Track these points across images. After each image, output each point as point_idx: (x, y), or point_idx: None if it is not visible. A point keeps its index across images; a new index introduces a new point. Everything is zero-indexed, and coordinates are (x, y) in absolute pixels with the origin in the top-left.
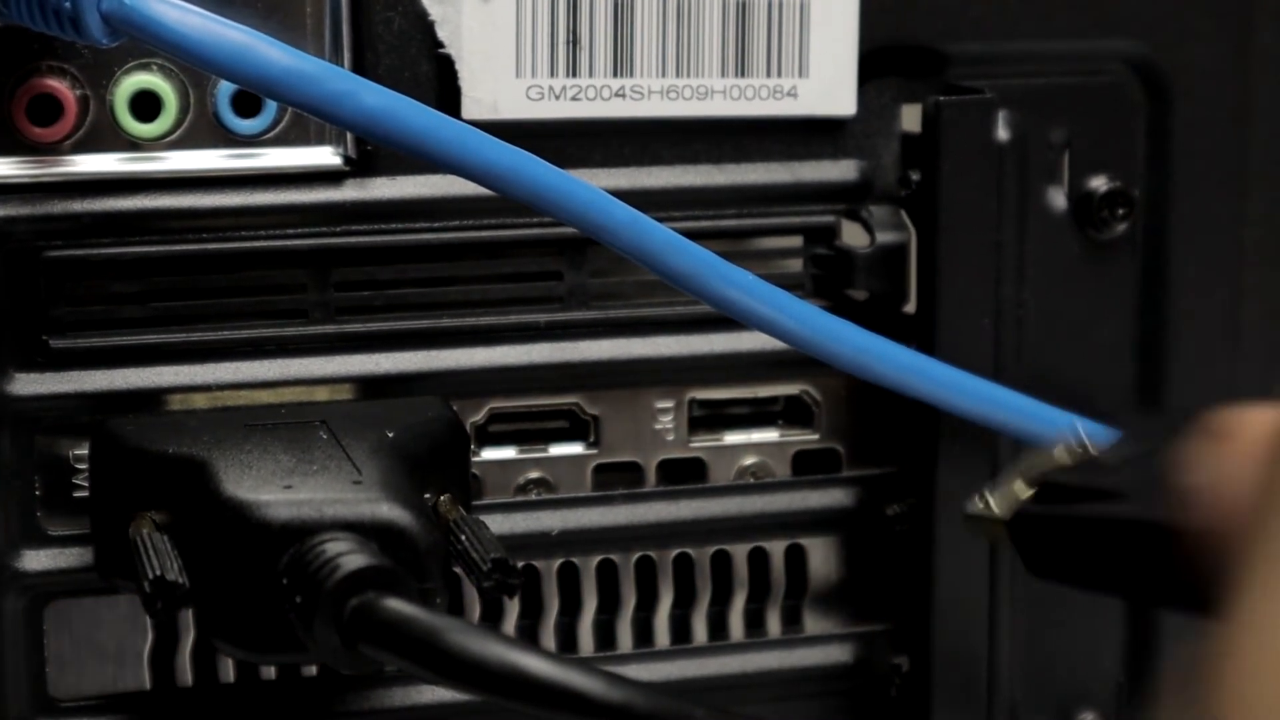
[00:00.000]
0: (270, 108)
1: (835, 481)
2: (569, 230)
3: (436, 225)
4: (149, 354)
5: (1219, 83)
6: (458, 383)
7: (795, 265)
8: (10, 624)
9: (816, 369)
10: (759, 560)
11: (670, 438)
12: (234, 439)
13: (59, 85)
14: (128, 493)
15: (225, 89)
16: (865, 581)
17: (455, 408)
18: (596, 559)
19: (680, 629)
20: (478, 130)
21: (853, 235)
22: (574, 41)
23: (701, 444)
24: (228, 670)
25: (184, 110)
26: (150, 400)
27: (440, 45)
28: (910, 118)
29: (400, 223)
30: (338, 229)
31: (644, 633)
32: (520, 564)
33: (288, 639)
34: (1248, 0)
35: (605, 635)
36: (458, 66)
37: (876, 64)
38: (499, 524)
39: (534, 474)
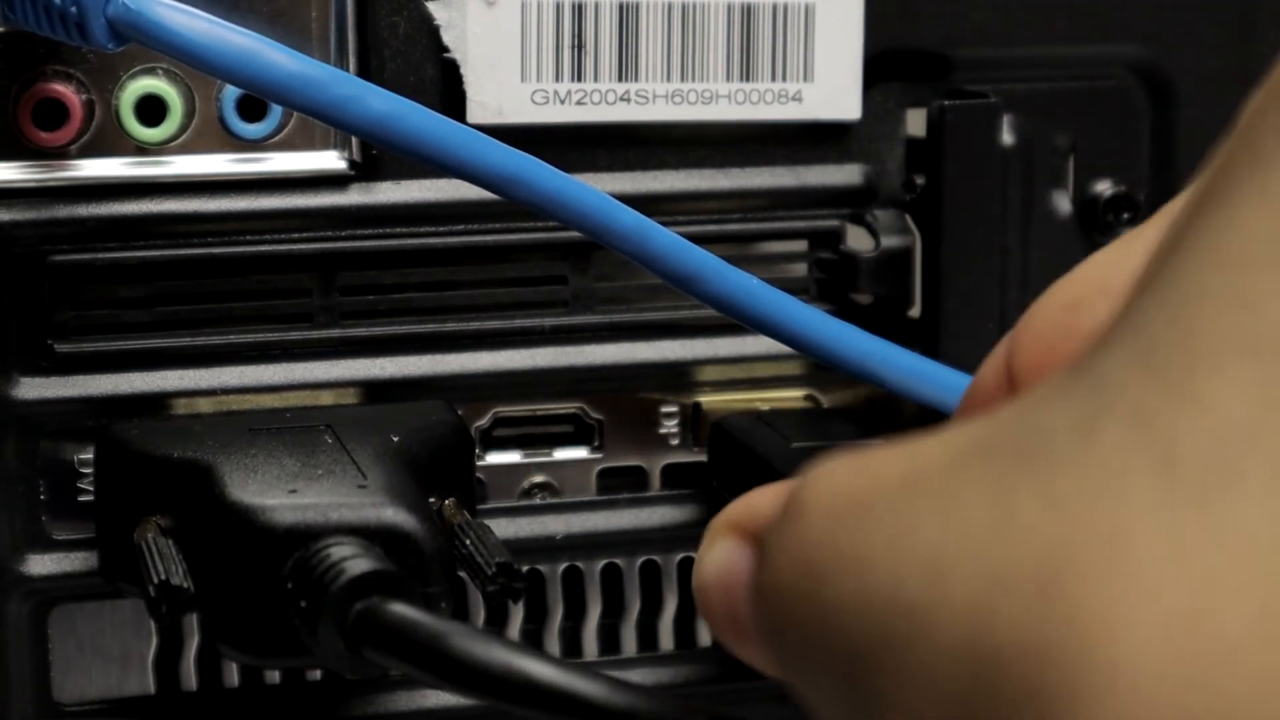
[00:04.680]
0: (275, 112)
1: None
2: (573, 235)
3: (441, 230)
4: (154, 358)
5: (1223, 87)
6: (462, 387)
7: (800, 269)
8: (15, 628)
9: (821, 373)
10: None
11: (675, 442)
12: (239, 443)
13: (64, 90)
14: (132, 497)
15: (231, 93)
16: None
17: (460, 412)
18: (601, 563)
19: (684, 633)
20: (483, 135)
21: (857, 239)
22: (579, 46)
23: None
24: (232, 674)
25: (189, 115)
26: (155, 404)
27: (445, 50)
28: (915, 122)
29: (405, 227)
30: (343, 233)
31: (648, 637)
32: (525, 568)
33: (292, 643)
34: (1251, 5)
35: (609, 639)
36: (463, 71)
37: (881, 68)
38: (503, 528)
39: (538, 478)
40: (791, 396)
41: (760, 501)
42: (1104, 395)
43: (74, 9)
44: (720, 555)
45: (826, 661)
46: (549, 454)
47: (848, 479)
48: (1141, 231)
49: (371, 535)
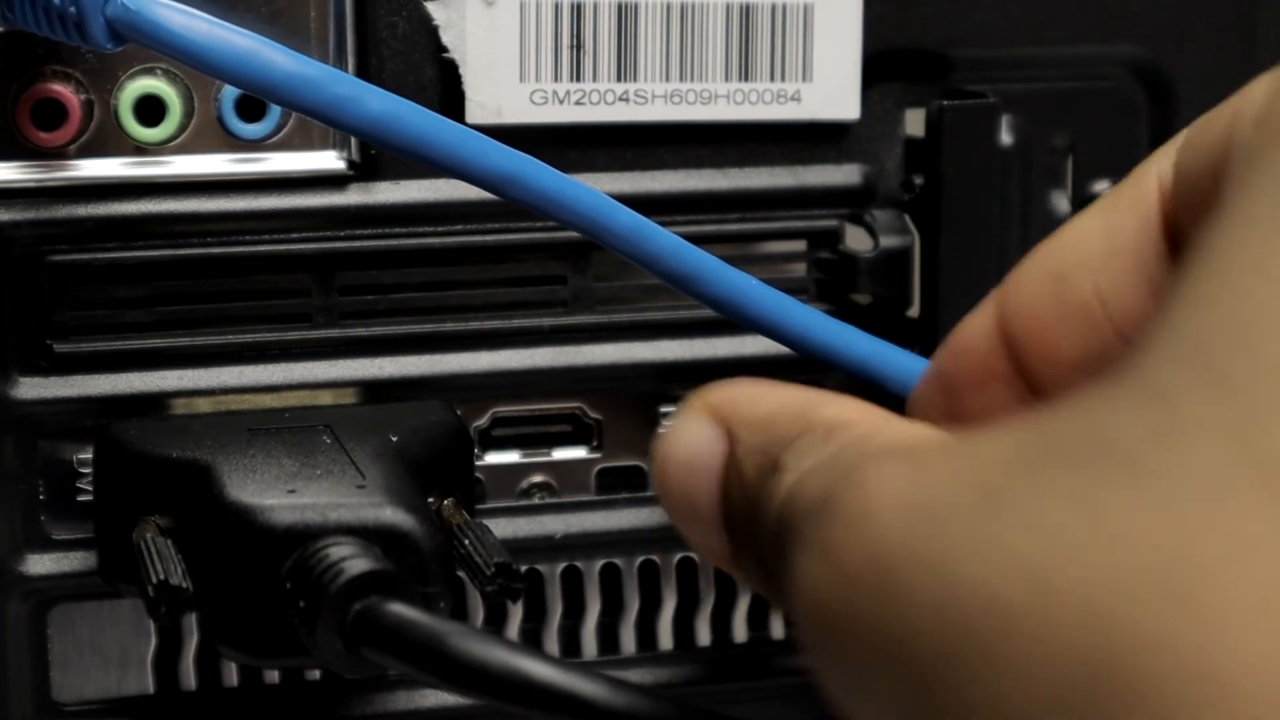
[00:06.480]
0: (274, 112)
1: None
2: (572, 235)
3: (440, 229)
4: (153, 358)
5: (1221, 86)
6: (461, 387)
7: (799, 269)
8: (14, 628)
9: (820, 373)
10: None
11: None
12: (238, 443)
13: (63, 90)
14: (131, 497)
15: (229, 93)
16: None
17: (459, 411)
18: (600, 563)
19: (684, 632)
20: (481, 135)
21: (856, 239)
22: (578, 46)
23: None
24: (231, 674)
25: (188, 115)
26: (154, 404)
27: (444, 50)
28: (914, 122)
29: (404, 227)
30: (341, 233)
31: (647, 636)
32: (523, 568)
33: (291, 643)
34: (1250, 3)
35: (608, 639)
36: (461, 71)
37: (880, 68)
38: (502, 528)
39: (537, 478)
40: None
41: (745, 398)
42: (1169, 403)
43: (73, 9)
44: (692, 433)
45: (895, 664)
46: (548, 454)
47: (909, 484)
48: (1117, 196)
49: (370, 535)
